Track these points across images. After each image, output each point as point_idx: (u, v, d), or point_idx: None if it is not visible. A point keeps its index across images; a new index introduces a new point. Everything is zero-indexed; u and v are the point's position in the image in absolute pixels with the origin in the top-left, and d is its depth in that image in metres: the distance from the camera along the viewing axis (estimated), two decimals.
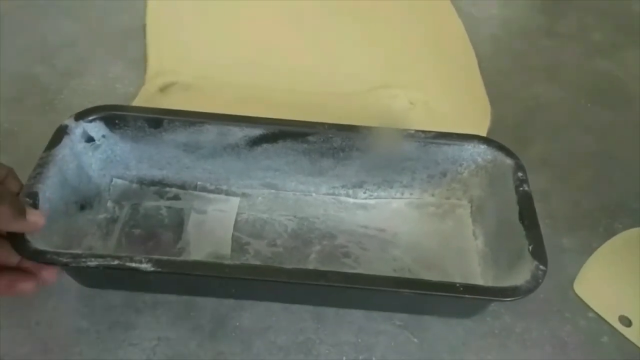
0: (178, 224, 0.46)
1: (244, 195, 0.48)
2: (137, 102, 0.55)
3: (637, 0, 0.74)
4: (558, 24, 0.69)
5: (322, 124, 0.45)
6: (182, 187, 0.48)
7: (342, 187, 0.48)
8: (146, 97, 0.55)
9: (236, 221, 0.46)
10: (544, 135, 0.57)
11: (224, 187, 0.48)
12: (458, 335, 0.43)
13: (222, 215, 0.46)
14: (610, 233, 0.49)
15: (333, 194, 0.48)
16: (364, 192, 0.48)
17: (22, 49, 0.60)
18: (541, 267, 0.37)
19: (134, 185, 0.48)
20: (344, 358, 0.40)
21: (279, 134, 0.45)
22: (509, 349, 0.42)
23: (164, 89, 0.56)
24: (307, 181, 0.48)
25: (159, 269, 0.36)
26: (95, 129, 0.44)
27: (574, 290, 0.46)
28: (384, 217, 0.48)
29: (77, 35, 0.62)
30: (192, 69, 0.58)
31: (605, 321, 0.44)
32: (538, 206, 0.50)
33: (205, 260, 0.41)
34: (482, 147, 0.45)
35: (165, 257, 0.36)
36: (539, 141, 0.56)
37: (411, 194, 0.48)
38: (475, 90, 0.60)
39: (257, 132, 0.45)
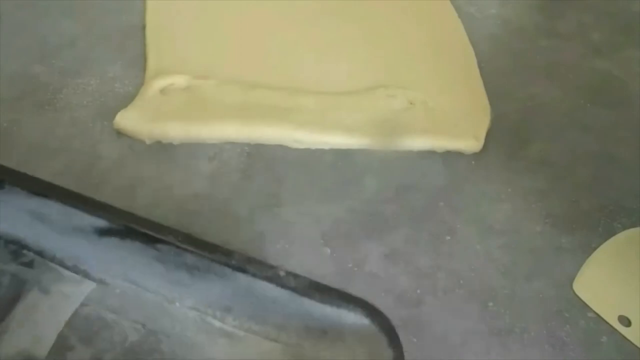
0: (11, 300, 0.39)
1: (101, 282, 0.40)
2: (136, 102, 0.55)
3: (636, 0, 0.74)
4: (557, 24, 0.69)
5: (173, 231, 0.37)
6: (41, 254, 0.41)
7: (209, 306, 0.40)
8: (145, 98, 0.55)
9: (76, 314, 0.39)
10: (543, 135, 0.57)
11: (82, 267, 0.41)
12: (456, 334, 0.43)
13: (63, 302, 0.40)
14: (609, 233, 0.49)
15: (198, 310, 0.40)
16: (234, 319, 0.39)
17: (22, 49, 0.60)
18: None
19: None
20: None
21: (125, 231, 0.38)
22: (508, 348, 0.42)
23: (163, 90, 0.56)
24: (169, 287, 0.40)
25: None
26: None
27: (573, 290, 0.46)
28: (249, 357, 0.38)
29: (76, 35, 0.62)
30: (191, 69, 0.58)
31: (605, 321, 0.44)
32: (537, 206, 0.51)
33: None
34: (365, 322, 0.35)
35: None
36: (537, 141, 0.56)
37: (288, 337, 0.38)
38: (474, 90, 0.60)
39: (102, 223, 0.38)
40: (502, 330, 0.43)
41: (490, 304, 0.44)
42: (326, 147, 0.54)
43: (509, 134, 0.56)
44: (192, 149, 0.52)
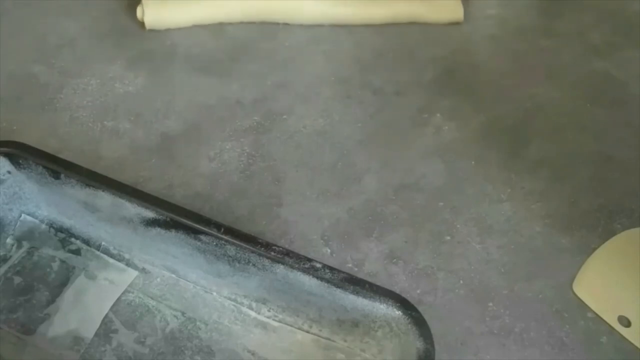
0: (61, 284, 0.42)
1: (143, 270, 0.43)
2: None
3: (635, 0, 0.74)
4: (556, 24, 0.69)
5: (217, 224, 0.40)
6: (87, 242, 0.45)
7: (245, 297, 0.42)
8: None
9: (119, 300, 0.42)
10: (542, 135, 0.57)
11: (126, 256, 0.44)
12: (456, 334, 0.43)
13: (108, 288, 0.42)
14: (609, 233, 0.49)
15: (235, 300, 0.42)
16: (269, 310, 0.42)
17: (22, 48, 0.60)
18: None
19: (43, 226, 0.45)
20: None
21: (172, 222, 0.40)
22: (508, 348, 0.42)
23: None
24: (207, 278, 0.43)
25: None
26: None
27: (572, 291, 0.46)
28: (282, 346, 0.41)
29: (76, 34, 0.62)
30: None
31: (604, 321, 0.44)
32: (537, 206, 0.51)
33: None
34: (397, 314, 0.37)
35: None
36: (537, 141, 0.56)
37: (320, 330, 0.41)
38: None
39: (149, 214, 0.40)
40: (502, 330, 0.43)
41: (490, 304, 0.45)
42: (326, 22, 0.63)
43: (509, 134, 0.56)
44: (193, 149, 0.52)
